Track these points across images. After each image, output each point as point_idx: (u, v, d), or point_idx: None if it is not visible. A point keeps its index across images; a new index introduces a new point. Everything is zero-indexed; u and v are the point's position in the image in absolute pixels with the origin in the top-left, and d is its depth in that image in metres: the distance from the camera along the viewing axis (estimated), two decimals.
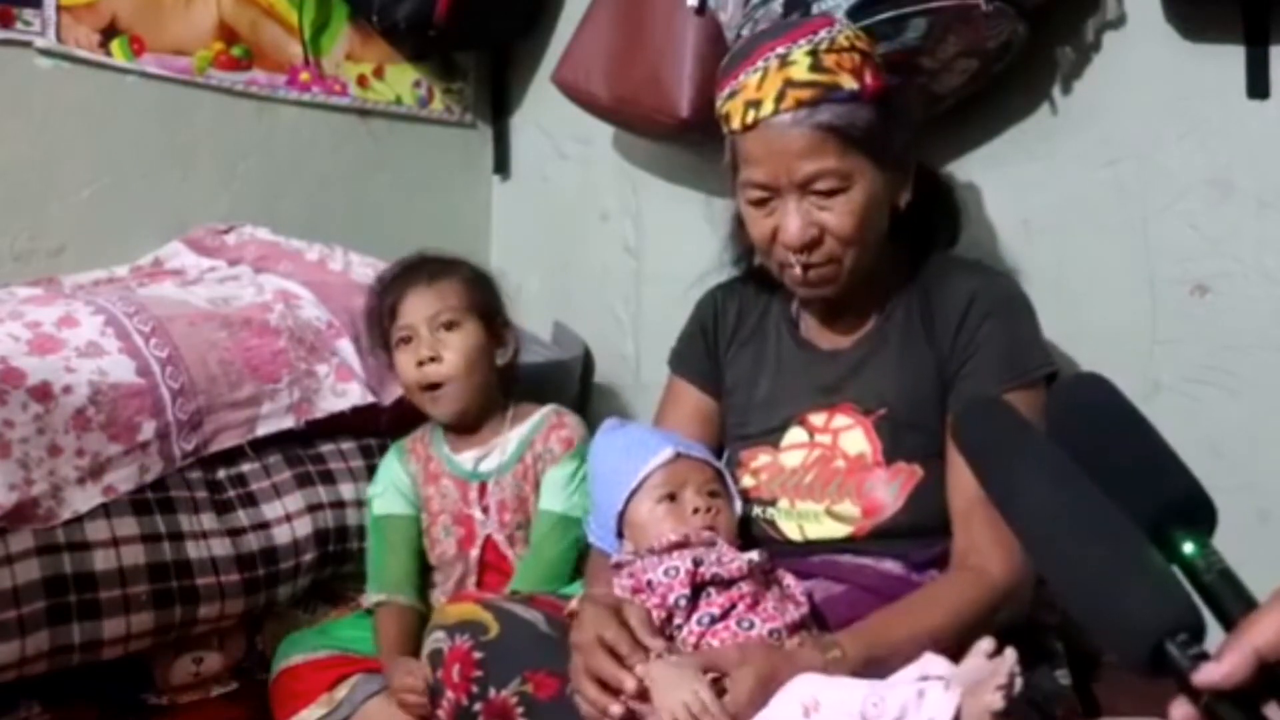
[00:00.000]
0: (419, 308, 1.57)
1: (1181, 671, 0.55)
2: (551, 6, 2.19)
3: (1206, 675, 0.55)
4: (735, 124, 1.27)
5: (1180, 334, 1.54)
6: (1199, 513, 0.63)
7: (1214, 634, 0.58)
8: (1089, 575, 0.59)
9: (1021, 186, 1.65)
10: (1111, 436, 0.67)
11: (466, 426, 1.62)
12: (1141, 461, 0.65)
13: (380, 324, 1.62)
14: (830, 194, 1.24)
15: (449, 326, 1.57)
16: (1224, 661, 0.55)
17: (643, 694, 1.07)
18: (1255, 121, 1.47)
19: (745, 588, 1.16)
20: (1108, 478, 0.63)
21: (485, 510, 1.58)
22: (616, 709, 1.07)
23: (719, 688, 1.05)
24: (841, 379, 1.35)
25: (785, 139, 1.23)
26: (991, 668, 0.96)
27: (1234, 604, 0.59)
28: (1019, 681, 0.95)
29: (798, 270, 1.28)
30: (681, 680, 1.05)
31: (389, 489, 1.61)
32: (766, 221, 1.28)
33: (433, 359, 1.56)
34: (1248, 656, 0.54)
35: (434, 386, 1.57)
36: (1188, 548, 0.61)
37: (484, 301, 1.63)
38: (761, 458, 1.37)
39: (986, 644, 0.98)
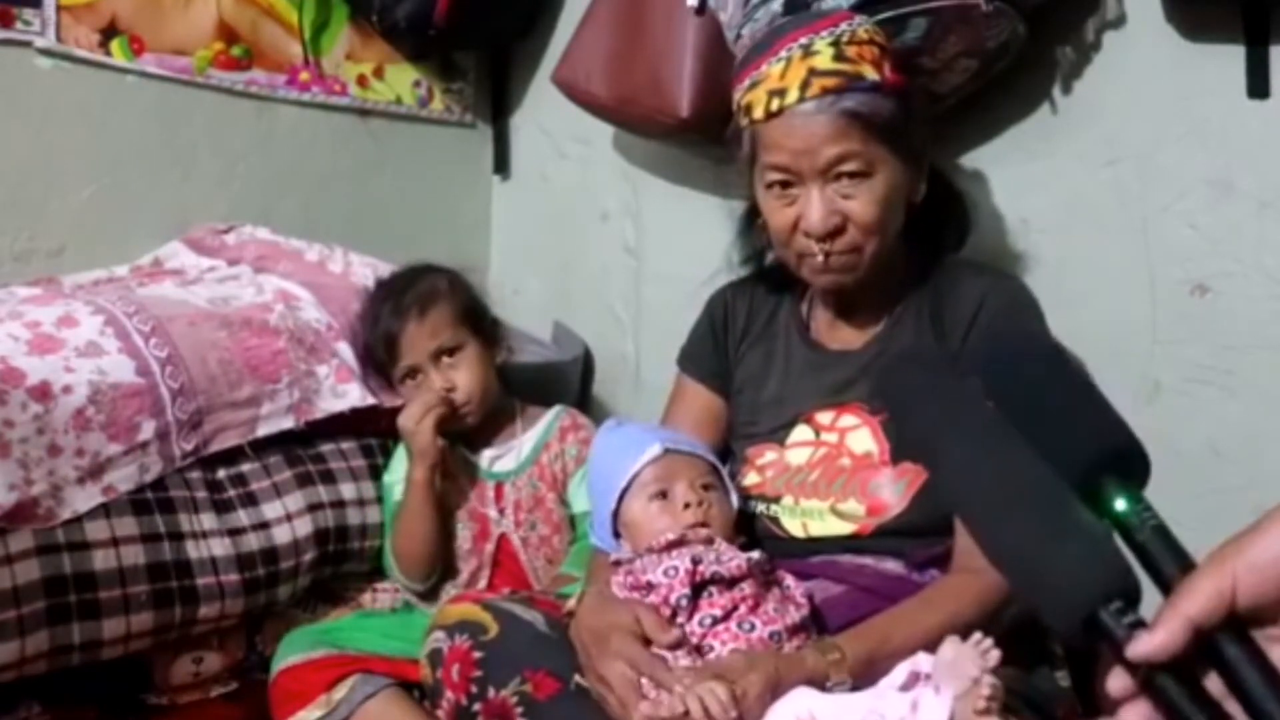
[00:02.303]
0: (419, 344, 1.59)
1: (1116, 641, 0.52)
2: (551, 6, 2.19)
3: (1141, 648, 0.52)
4: (758, 113, 1.26)
5: (1180, 334, 1.54)
6: (1132, 464, 0.58)
7: (1150, 596, 0.55)
8: (1016, 542, 0.56)
9: (1021, 186, 1.65)
10: (1040, 389, 0.63)
11: (480, 428, 1.65)
12: (1070, 413, 0.61)
13: (375, 358, 1.64)
14: (855, 179, 1.24)
15: (451, 353, 1.60)
16: (1158, 633, 0.52)
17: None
18: (1255, 121, 1.47)
19: (747, 589, 1.16)
20: (1038, 433, 0.59)
21: (501, 511, 1.62)
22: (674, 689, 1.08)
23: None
24: (850, 379, 1.35)
25: (810, 125, 1.23)
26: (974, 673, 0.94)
27: (1169, 563, 0.55)
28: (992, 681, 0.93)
29: (819, 258, 1.28)
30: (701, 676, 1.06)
31: (405, 479, 1.63)
32: (788, 211, 1.28)
33: (449, 390, 1.58)
34: (1184, 626, 0.51)
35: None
36: (1120, 504, 0.57)
37: (473, 313, 1.65)
38: (767, 454, 1.37)
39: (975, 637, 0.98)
